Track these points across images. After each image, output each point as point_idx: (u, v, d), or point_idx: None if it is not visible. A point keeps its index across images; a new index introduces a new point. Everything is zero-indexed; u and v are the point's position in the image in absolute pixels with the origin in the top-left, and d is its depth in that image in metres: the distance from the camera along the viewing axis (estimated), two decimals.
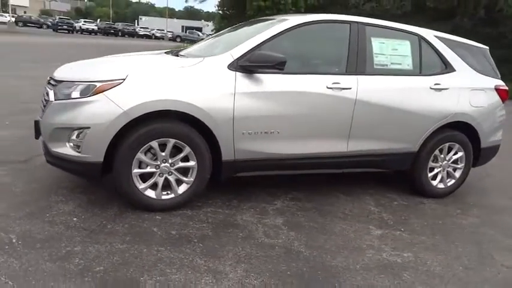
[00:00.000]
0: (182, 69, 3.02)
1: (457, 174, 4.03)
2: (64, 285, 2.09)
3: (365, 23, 3.56)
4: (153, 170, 2.98)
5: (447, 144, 3.88)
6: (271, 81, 3.14)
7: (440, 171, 3.96)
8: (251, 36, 3.26)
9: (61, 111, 2.86)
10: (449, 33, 4.10)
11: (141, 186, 2.97)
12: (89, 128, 2.77)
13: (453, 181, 4.04)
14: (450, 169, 4.00)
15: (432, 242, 3.05)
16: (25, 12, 63.15)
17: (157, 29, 52.01)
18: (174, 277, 2.25)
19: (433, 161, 3.91)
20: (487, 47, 4.24)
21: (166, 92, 2.86)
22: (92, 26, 44.25)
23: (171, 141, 2.95)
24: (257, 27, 3.67)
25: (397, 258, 2.74)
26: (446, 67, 3.84)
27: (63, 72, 3.15)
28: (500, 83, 4.12)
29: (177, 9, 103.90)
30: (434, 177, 3.96)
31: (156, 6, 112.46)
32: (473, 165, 4.19)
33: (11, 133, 4.61)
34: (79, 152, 2.82)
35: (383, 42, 3.61)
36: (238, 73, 3.05)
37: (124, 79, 2.82)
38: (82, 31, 42.39)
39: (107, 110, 2.76)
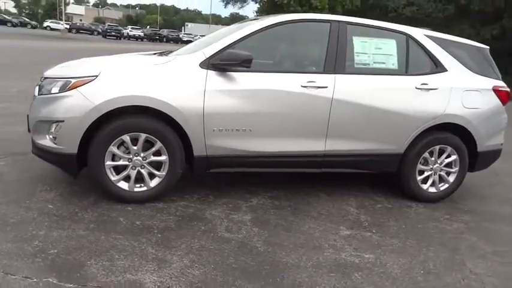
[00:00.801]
0: (153, 66, 3.14)
1: (451, 178, 3.85)
2: (16, 263, 2.25)
3: (347, 22, 3.52)
4: (126, 163, 3.12)
5: (438, 147, 3.73)
6: (244, 80, 3.18)
7: (431, 175, 3.81)
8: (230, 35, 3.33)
9: (42, 105, 3.08)
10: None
11: (113, 178, 3.11)
12: (63, 121, 2.96)
13: (446, 185, 3.87)
14: (443, 173, 3.84)
15: (402, 245, 2.95)
16: (81, 20, 67.38)
17: (200, 35, 53.28)
18: (119, 263, 2.35)
19: (423, 164, 3.77)
20: (487, 47, 4.04)
21: (135, 88, 2.99)
22: (138, 33, 46.31)
23: (143, 136, 3.07)
24: (241, 26, 3.73)
25: (355, 258, 2.68)
26: (437, 67, 3.70)
27: (51, 70, 3.38)
28: (499, 83, 3.91)
29: (223, 16, 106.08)
30: (425, 181, 3.82)
31: (203, 13, 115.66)
32: (471, 170, 3.99)
33: (17, 129, 4.94)
34: (56, 144, 3.01)
35: (365, 41, 3.55)
36: (210, 71, 3.13)
37: (96, 76, 2.98)
38: (129, 37, 44.47)
39: (79, 105, 2.93)
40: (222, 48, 3.18)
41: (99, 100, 2.92)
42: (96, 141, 3.00)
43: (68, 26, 46.21)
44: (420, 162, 3.75)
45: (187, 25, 79.30)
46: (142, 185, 3.19)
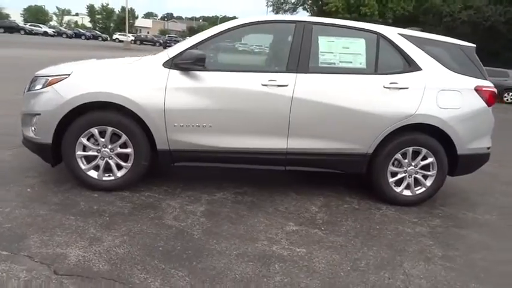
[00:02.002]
0: (120, 66, 3.43)
1: (428, 182, 3.71)
2: None
3: (313, 22, 3.57)
4: (95, 153, 3.42)
5: (411, 148, 3.62)
6: (205, 78, 3.36)
7: (405, 177, 3.69)
8: None
9: (27, 100, 3.48)
10: None
11: (84, 167, 3.42)
12: (40, 114, 3.33)
13: (423, 189, 3.73)
14: (419, 176, 3.70)
15: (344, 243, 2.93)
16: (148, 32, 71.99)
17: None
18: (57, 238, 2.61)
19: (396, 166, 3.68)
20: (473, 45, 3.84)
21: (101, 85, 3.29)
22: None
23: (109, 129, 3.35)
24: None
25: (285, 251, 2.73)
26: (410, 66, 3.61)
27: (42, 70, 3.80)
28: (483, 83, 3.70)
29: None
30: (399, 183, 3.71)
31: None
32: (451, 174, 3.81)
33: None
34: (35, 135, 3.39)
35: (332, 41, 3.57)
36: (172, 70, 3.35)
37: (69, 74, 3.33)
38: None
39: (53, 99, 3.29)
40: (185, 49, 3.39)
41: (69, 95, 3.26)
42: (68, 133, 3.33)
43: (133, 38, 49.49)
44: (393, 164, 3.66)
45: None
46: (111, 174, 3.47)
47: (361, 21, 3.76)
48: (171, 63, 3.36)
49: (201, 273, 2.39)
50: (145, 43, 49.79)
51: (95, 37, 54.61)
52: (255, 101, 3.40)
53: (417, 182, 3.73)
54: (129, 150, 3.41)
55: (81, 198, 3.29)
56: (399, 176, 3.70)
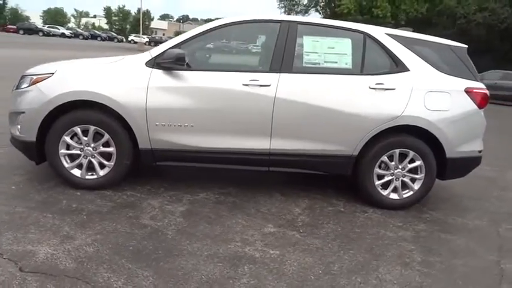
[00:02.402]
0: (102, 65, 3.45)
1: (416, 185, 3.63)
2: None
3: (298, 22, 3.54)
4: (78, 152, 3.44)
5: (398, 151, 3.54)
6: (187, 78, 3.35)
7: (392, 180, 3.62)
8: None
9: (14, 99, 3.52)
10: None
11: (67, 165, 3.44)
12: (24, 112, 3.37)
13: (411, 193, 3.65)
14: (406, 179, 3.62)
15: (321, 246, 2.87)
16: (163, 34, 72.93)
17: None
18: (30, 236, 2.63)
19: (382, 168, 3.61)
20: (464, 46, 3.74)
21: (83, 84, 3.31)
22: None
23: (92, 128, 3.37)
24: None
25: (257, 253, 2.69)
26: (397, 66, 3.53)
27: (30, 69, 3.84)
28: (474, 85, 3.60)
29: None
30: (385, 186, 3.64)
31: None
32: (441, 177, 3.72)
33: None
34: (20, 133, 3.43)
35: (317, 41, 3.52)
36: (154, 70, 3.35)
37: (53, 73, 3.36)
38: None
39: (36, 98, 3.33)
40: (167, 49, 3.38)
41: (52, 94, 3.29)
42: (51, 131, 3.36)
43: (147, 40, 50.06)
44: (379, 167, 3.59)
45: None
46: (94, 173, 3.49)
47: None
48: (153, 63, 3.36)
49: (167, 273, 2.37)
50: (159, 44, 50.21)
51: (111, 38, 55.48)
52: (235, 100, 3.37)
53: (405, 185, 3.65)
54: (111, 149, 3.42)
55: (63, 197, 3.31)
56: (386, 178, 3.62)
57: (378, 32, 3.59)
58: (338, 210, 3.55)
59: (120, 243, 2.65)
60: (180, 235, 2.83)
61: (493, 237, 3.33)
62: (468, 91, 3.56)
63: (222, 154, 3.49)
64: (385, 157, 3.56)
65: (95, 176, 3.48)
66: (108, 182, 3.49)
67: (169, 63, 3.28)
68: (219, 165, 3.59)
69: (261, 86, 3.36)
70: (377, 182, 3.61)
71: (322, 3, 28.20)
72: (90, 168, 3.48)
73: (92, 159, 3.45)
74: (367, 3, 21.85)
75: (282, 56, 3.44)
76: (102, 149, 3.43)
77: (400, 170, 3.60)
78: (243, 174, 4.07)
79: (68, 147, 3.43)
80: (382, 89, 3.45)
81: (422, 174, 3.60)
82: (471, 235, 3.32)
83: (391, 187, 3.63)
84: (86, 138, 3.40)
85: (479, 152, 3.71)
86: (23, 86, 3.47)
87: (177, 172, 4.01)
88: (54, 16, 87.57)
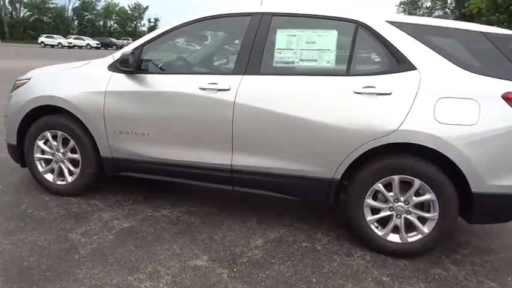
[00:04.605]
0: (68, 70, 3.35)
1: (427, 227, 2.64)
2: None
3: (272, 14, 2.92)
4: (50, 157, 3.41)
5: (397, 177, 2.62)
6: (143, 82, 3.05)
7: (392, 217, 2.71)
8: None
9: (6, 102, 3.68)
10: None
11: (42, 169, 3.45)
12: (6, 116, 3.49)
13: (419, 236, 2.67)
14: (412, 217, 2.67)
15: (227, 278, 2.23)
16: None
17: None
18: None
19: (378, 200, 2.73)
20: (508, 32, 2.60)
21: (47, 89, 3.26)
22: None
23: (59, 133, 3.31)
24: None
25: (151, 285, 2.19)
26: (399, 64, 2.63)
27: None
28: None
29: None
30: (382, 224, 2.75)
31: None
32: (467, 220, 2.65)
33: None
34: (6, 136, 3.57)
35: (294, 35, 2.85)
36: (115, 73, 3.13)
37: (29, 79, 3.40)
38: None
39: (15, 103, 3.41)
40: (125, 51, 3.13)
41: (24, 100, 3.33)
42: (27, 135, 3.40)
43: None
44: (373, 197, 2.72)
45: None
46: (64, 179, 3.42)
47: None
48: (115, 66, 3.14)
49: None
50: None
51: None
52: (191, 107, 2.92)
53: (411, 225, 2.69)
54: (76, 155, 3.31)
55: (29, 200, 3.31)
56: (383, 213, 2.72)
57: (376, 20, 2.74)
58: (312, 248, 2.79)
59: (21, 257, 2.46)
60: (89, 256, 2.51)
61: None
62: (508, 97, 2.44)
63: (181, 168, 3.07)
64: (380, 185, 2.67)
65: (64, 182, 3.41)
66: (75, 189, 3.38)
67: (121, 66, 3.02)
68: (180, 180, 3.16)
69: (218, 90, 2.84)
70: (369, 217, 2.74)
71: (452, 5, 25.03)
72: (62, 173, 3.42)
73: (62, 165, 3.38)
74: (504, 0, 18.46)
75: (249, 55, 2.86)
76: (69, 155, 3.34)
77: (402, 204, 2.66)
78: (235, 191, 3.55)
79: (43, 151, 3.43)
80: (372, 93, 2.59)
81: (436, 213, 2.59)
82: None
83: (390, 226, 2.71)
84: (55, 144, 3.35)
85: None
86: (11, 91, 3.59)
87: (167, 183, 3.67)
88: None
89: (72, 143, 3.28)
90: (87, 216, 3.08)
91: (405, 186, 2.64)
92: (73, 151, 3.32)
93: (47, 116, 3.32)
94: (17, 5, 64.88)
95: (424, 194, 2.61)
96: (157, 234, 2.85)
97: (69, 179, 3.38)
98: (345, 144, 2.64)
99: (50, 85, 3.29)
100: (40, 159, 3.43)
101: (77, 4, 72.97)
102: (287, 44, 2.84)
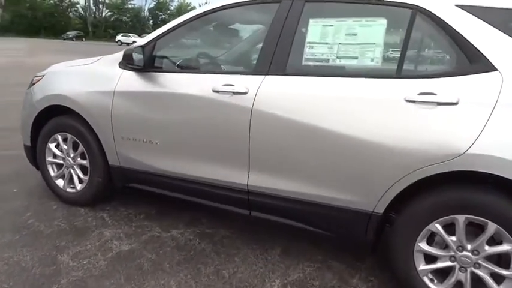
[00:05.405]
0: (82, 67, 3.02)
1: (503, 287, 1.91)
2: None
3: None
4: (61, 161, 3.13)
5: (462, 218, 1.92)
6: (154, 81, 2.62)
7: (454, 269, 2.00)
8: None
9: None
10: None
11: (53, 174, 3.17)
12: (22, 115, 3.26)
13: None
14: (483, 273, 1.95)
15: None
16: None
17: None
18: None
19: (435, 244, 2.04)
20: None
21: (56, 88, 2.96)
22: None
23: (69, 136, 3.01)
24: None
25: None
26: (472, 63, 1.91)
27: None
28: None
29: None
30: (440, 278, 2.05)
31: None
32: None
33: None
34: (22, 135, 3.35)
35: (330, 25, 2.24)
36: (125, 71, 2.75)
37: (43, 76, 3.14)
38: None
39: (28, 101, 3.18)
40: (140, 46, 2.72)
41: (36, 98, 3.07)
42: (40, 137, 3.15)
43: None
44: (428, 241, 2.04)
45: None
46: (73, 186, 3.12)
47: None
48: (125, 63, 2.75)
49: None
50: None
51: None
52: (202, 113, 2.44)
53: (482, 283, 1.96)
54: (85, 162, 2.98)
55: (36, 208, 3.05)
56: (440, 264, 2.02)
57: (441, 4, 2.03)
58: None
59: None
60: (75, 262, 2.17)
61: None
62: None
63: (193, 184, 2.59)
64: (438, 225, 1.98)
65: (74, 190, 3.10)
66: (83, 199, 3.07)
67: (126, 63, 2.62)
68: (190, 198, 2.69)
69: (234, 93, 2.32)
70: (422, 267, 2.06)
71: None
72: (73, 180, 3.12)
73: (72, 171, 3.09)
74: None
75: (273, 50, 2.30)
76: (79, 160, 3.03)
77: (469, 254, 1.95)
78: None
79: (55, 155, 3.15)
80: (431, 102, 1.91)
81: None
82: None
83: (452, 280, 2.00)
84: (66, 147, 3.06)
85: None
86: (28, 88, 3.35)
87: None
88: None
89: (81, 147, 2.96)
90: (88, 232, 2.72)
91: (475, 229, 1.92)
92: (82, 157, 3.01)
93: (57, 117, 3.03)
94: (100, 6, 69.65)
95: (501, 243, 1.87)
96: (156, 263, 2.40)
97: (78, 187, 3.07)
98: (392, 169, 1.98)
99: (59, 83, 3.00)
100: (52, 163, 3.16)
101: (152, 5, 76.92)
102: (321, 36, 2.24)
